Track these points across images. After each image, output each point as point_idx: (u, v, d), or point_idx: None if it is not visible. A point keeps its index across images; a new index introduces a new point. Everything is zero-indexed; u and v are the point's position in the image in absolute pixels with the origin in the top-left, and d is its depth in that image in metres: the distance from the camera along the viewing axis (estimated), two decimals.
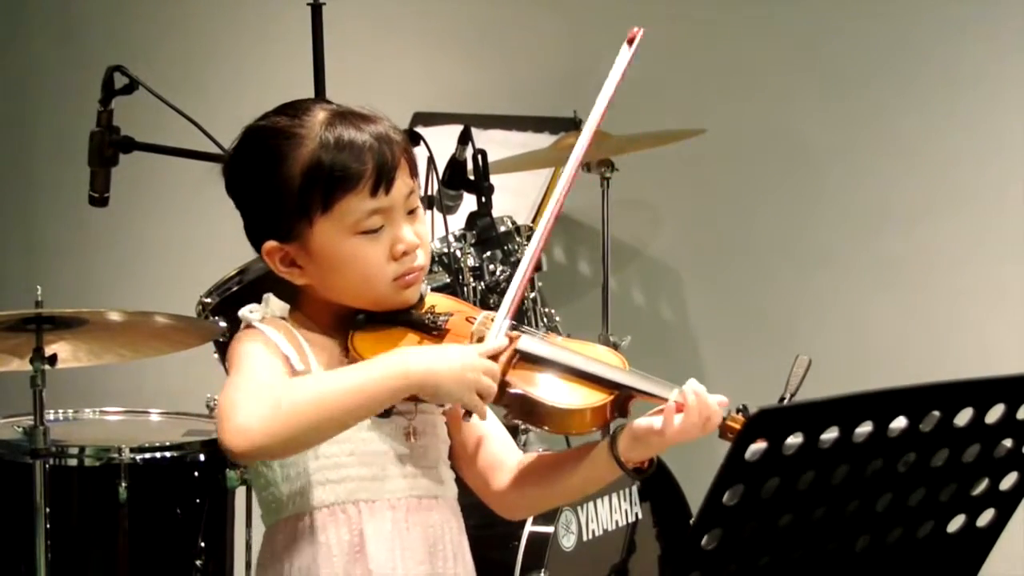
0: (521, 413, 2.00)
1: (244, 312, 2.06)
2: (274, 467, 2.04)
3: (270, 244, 2.05)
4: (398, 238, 2.03)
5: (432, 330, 2.04)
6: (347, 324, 2.04)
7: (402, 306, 2.06)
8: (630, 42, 2.13)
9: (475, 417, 2.03)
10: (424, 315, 2.06)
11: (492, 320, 2.04)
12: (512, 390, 1.98)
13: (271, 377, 1.96)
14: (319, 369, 2.02)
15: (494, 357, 1.97)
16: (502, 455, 2.13)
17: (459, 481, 2.15)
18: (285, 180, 2.01)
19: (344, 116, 2.04)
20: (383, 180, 2.01)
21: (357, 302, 2.05)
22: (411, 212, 2.06)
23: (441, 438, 2.11)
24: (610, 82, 2.11)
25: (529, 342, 2.02)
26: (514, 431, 2.40)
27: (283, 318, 2.07)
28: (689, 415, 1.93)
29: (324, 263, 2.03)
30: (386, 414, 1.99)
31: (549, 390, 1.98)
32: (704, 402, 1.94)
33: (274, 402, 1.89)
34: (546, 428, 2.02)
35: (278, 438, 1.88)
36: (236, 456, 1.91)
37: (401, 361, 1.94)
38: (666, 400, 1.95)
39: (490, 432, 2.14)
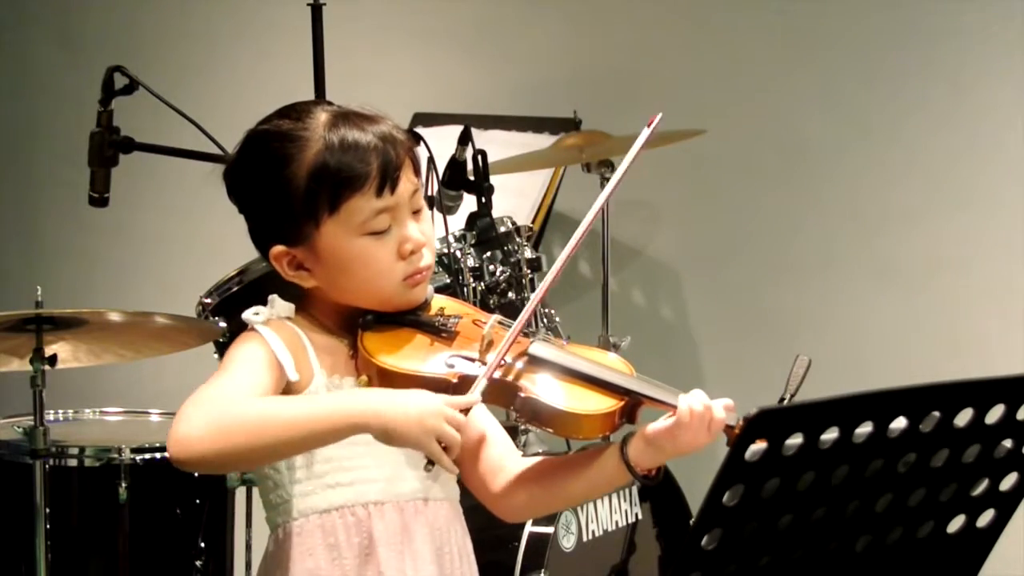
0: (530, 417, 2.00)
1: (248, 315, 2.06)
2: (282, 469, 2.04)
3: (277, 248, 2.05)
4: (405, 237, 2.03)
5: (441, 332, 2.04)
6: (355, 325, 2.04)
7: (410, 305, 2.06)
8: (649, 125, 2.12)
9: (473, 419, 2.04)
10: (434, 317, 2.06)
11: (500, 324, 2.03)
12: (523, 395, 1.98)
13: (235, 389, 1.95)
14: (321, 372, 2.02)
15: (465, 410, 1.93)
16: (503, 459, 2.13)
17: (459, 484, 2.15)
18: (291, 183, 2.01)
19: (347, 117, 2.04)
20: (388, 179, 2.01)
21: (366, 303, 2.05)
22: (416, 211, 2.06)
23: None
24: (627, 160, 2.10)
25: (540, 347, 2.02)
26: (513, 432, 2.40)
27: (289, 319, 2.06)
28: (694, 418, 1.93)
29: (332, 265, 2.03)
30: None
31: (559, 395, 1.99)
32: (707, 404, 1.93)
33: (220, 417, 1.88)
34: (555, 432, 2.02)
35: (213, 453, 1.87)
36: (174, 463, 1.90)
37: (350, 401, 1.93)
38: (675, 407, 1.95)
39: (491, 436, 2.14)
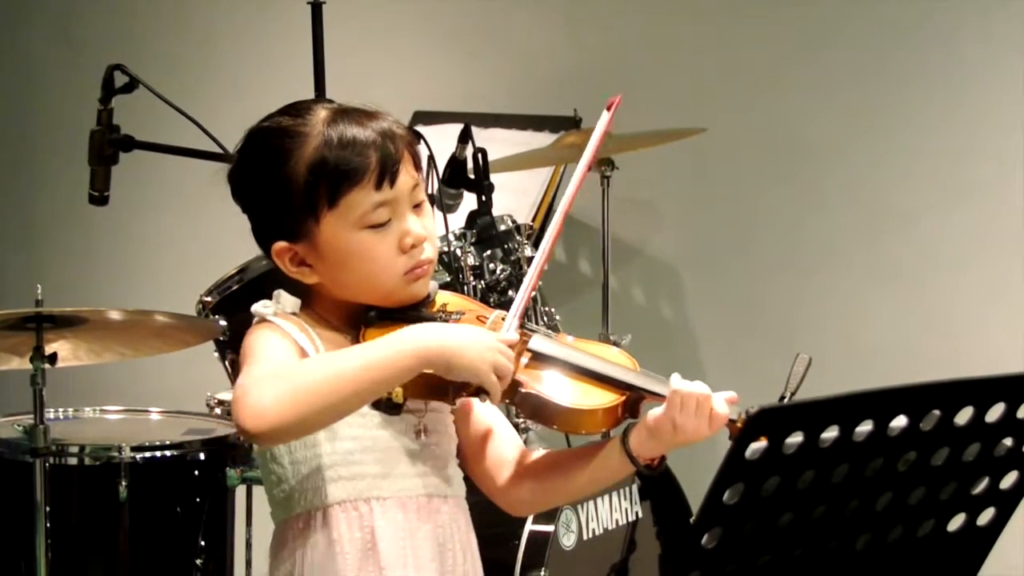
0: (532, 412, 2.00)
1: (257, 307, 2.07)
2: (286, 464, 2.04)
3: (279, 245, 2.06)
4: (406, 231, 2.03)
5: None
6: (358, 321, 2.05)
7: (412, 300, 2.06)
8: (609, 108, 2.12)
9: (479, 413, 2.08)
10: (436, 313, 2.07)
11: (503, 319, 2.04)
12: (523, 389, 1.98)
13: (285, 360, 1.97)
14: None
15: (510, 346, 1.97)
16: (509, 453, 2.13)
17: (464, 480, 2.15)
18: (290, 179, 2.02)
19: (346, 113, 2.05)
20: (387, 173, 2.01)
21: (368, 298, 2.05)
22: (417, 206, 2.06)
23: (450, 436, 2.12)
24: (591, 144, 2.10)
25: (541, 342, 2.03)
26: (515, 429, 2.40)
27: (295, 314, 2.07)
28: (687, 405, 1.93)
29: (333, 260, 2.04)
30: (397, 410, 1.98)
31: (560, 390, 1.99)
32: (699, 392, 1.94)
33: (289, 383, 1.89)
34: (557, 427, 2.02)
35: (294, 418, 1.88)
36: (254, 438, 1.91)
37: (415, 335, 1.94)
38: None
39: (497, 430, 2.14)
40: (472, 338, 1.94)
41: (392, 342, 1.93)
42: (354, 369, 1.90)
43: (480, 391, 1.95)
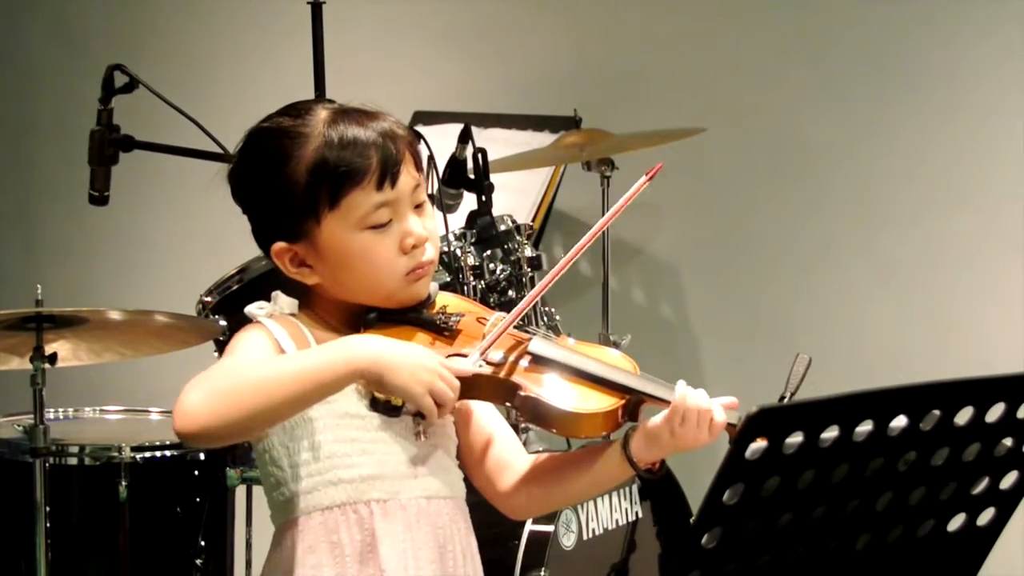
0: (531, 416, 1.99)
1: (251, 308, 2.06)
2: (285, 467, 2.04)
3: (279, 245, 2.05)
4: (407, 231, 2.03)
5: (443, 330, 2.04)
6: (358, 323, 2.04)
7: (413, 301, 2.06)
8: (648, 174, 2.11)
9: (480, 416, 2.08)
10: (436, 315, 2.06)
11: (502, 320, 2.04)
12: (523, 393, 1.97)
13: (237, 362, 1.96)
14: None
15: (459, 376, 1.94)
16: (509, 456, 2.13)
17: (464, 481, 2.15)
18: (291, 179, 2.01)
19: (347, 113, 2.05)
20: (388, 173, 2.01)
21: (368, 299, 2.05)
22: (418, 206, 2.06)
23: (450, 437, 2.12)
24: (620, 204, 2.10)
25: (540, 345, 2.02)
26: (514, 430, 2.40)
27: (292, 315, 2.07)
28: (688, 413, 1.93)
29: (334, 260, 2.03)
30: (396, 412, 1.98)
31: (560, 394, 1.98)
32: (701, 400, 1.94)
33: (218, 385, 1.89)
34: (556, 431, 2.02)
35: (219, 420, 1.87)
36: (181, 438, 1.92)
37: (350, 345, 1.93)
38: None
39: (498, 433, 2.14)
40: (410, 357, 1.92)
41: (327, 351, 1.93)
42: (287, 376, 1.90)
43: (418, 413, 1.93)
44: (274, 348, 2.00)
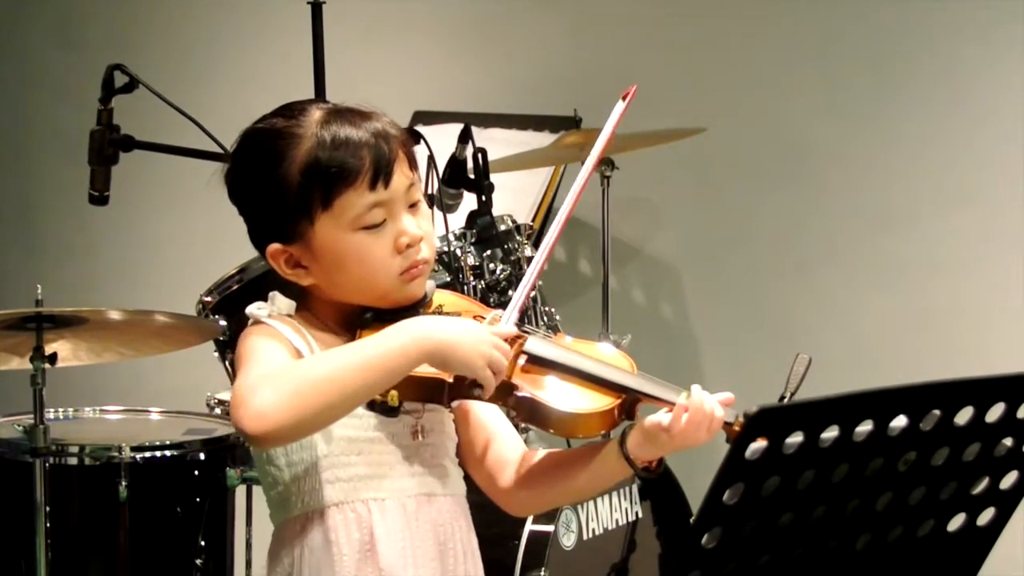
0: (527, 416, 1.99)
1: (252, 309, 2.06)
2: (282, 466, 2.04)
3: (274, 247, 2.05)
4: (401, 231, 2.03)
5: None
6: (354, 323, 2.04)
7: (409, 301, 2.06)
8: (624, 98, 2.12)
9: (480, 414, 2.09)
10: (432, 314, 2.06)
11: (501, 319, 2.04)
12: (519, 393, 1.98)
13: (281, 361, 1.96)
14: None
15: (506, 340, 1.97)
16: (510, 453, 2.13)
17: (465, 479, 2.15)
18: (284, 180, 2.01)
19: (340, 114, 2.04)
20: (381, 173, 2.01)
21: (363, 299, 2.05)
22: (413, 205, 2.06)
23: (449, 436, 2.12)
24: (604, 133, 2.11)
25: (536, 344, 2.02)
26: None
27: (290, 316, 2.07)
28: (692, 413, 1.93)
29: (328, 261, 2.03)
30: (394, 413, 1.98)
31: (556, 394, 1.98)
32: (706, 401, 1.94)
33: (288, 383, 1.88)
34: (553, 431, 2.02)
35: (296, 418, 1.87)
36: (255, 441, 1.90)
37: (412, 328, 1.94)
38: (673, 404, 1.95)
39: (498, 430, 2.14)
40: (468, 331, 1.95)
41: (390, 336, 1.93)
42: (354, 366, 1.90)
43: (474, 385, 1.94)
44: (287, 347, 2.00)
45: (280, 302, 2.07)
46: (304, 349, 2.01)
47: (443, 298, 2.11)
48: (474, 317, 2.07)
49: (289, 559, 2.05)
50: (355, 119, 2.04)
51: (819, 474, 1.63)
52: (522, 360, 2.00)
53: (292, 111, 2.06)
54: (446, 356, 1.92)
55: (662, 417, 1.96)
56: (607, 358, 2.05)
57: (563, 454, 2.12)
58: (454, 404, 2.05)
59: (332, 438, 2.02)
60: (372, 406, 1.97)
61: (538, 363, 2.01)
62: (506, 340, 1.97)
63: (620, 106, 2.14)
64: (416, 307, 2.07)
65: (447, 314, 2.06)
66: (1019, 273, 3.99)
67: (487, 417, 2.14)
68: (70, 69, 4.98)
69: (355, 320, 2.04)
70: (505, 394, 1.98)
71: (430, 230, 2.08)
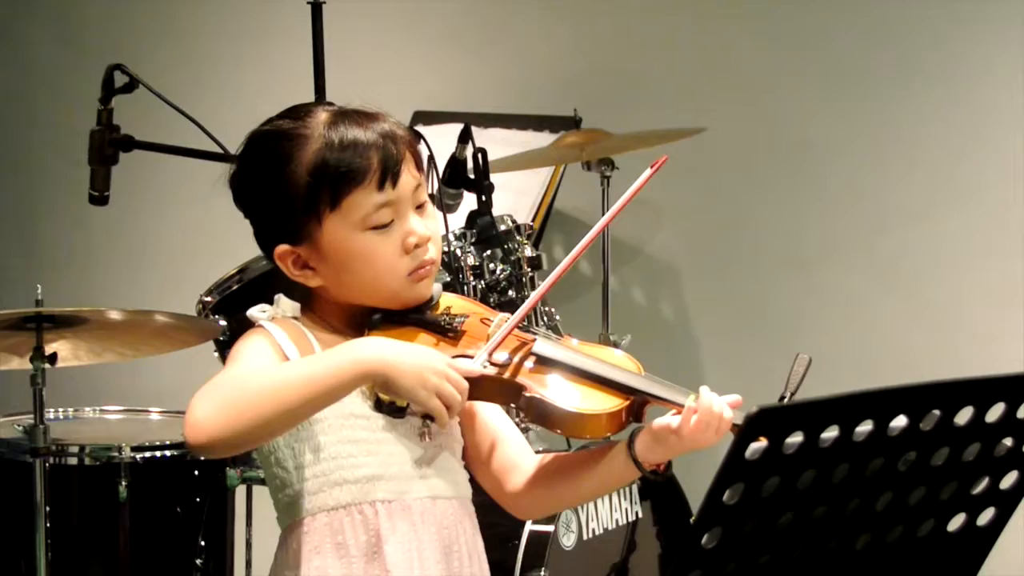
0: (536, 417, 1.99)
1: (253, 311, 2.06)
2: (290, 468, 2.04)
3: (282, 248, 2.05)
4: (409, 231, 2.03)
5: (447, 331, 2.04)
6: (361, 324, 2.04)
7: (416, 301, 2.06)
8: (652, 166, 2.12)
9: (486, 417, 2.09)
10: (440, 316, 2.06)
11: (506, 322, 2.03)
12: (528, 394, 1.98)
13: (242, 370, 1.96)
14: None
15: (465, 376, 1.95)
16: (517, 457, 2.13)
17: (471, 482, 2.15)
18: (292, 181, 2.01)
19: (347, 115, 2.05)
20: (389, 173, 2.01)
21: (371, 300, 2.05)
22: (420, 206, 2.06)
23: (455, 438, 2.12)
24: (626, 196, 2.11)
25: (545, 346, 2.02)
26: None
27: (295, 318, 2.07)
28: (702, 416, 1.93)
29: (336, 262, 2.03)
30: (401, 413, 1.98)
31: (565, 394, 1.98)
32: (716, 403, 1.94)
33: (227, 395, 1.89)
34: (561, 432, 2.02)
35: (229, 431, 1.87)
36: (193, 450, 1.92)
37: (356, 348, 1.93)
38: (681, 406, 1.95)
39: (505, 434, 2.14)
40: (417, 359, 1.93)
41: (333, 356, 1.93)
42: (295, 382, 1.90)
43: (427, 416, 1.94)
44: (276, 352, 2.00)
45: (284, 304, 2.08)
46: (295, 356, 2.00)
47: (450, 300, 2.11)
48: (481, 320, 2.07)
49: (296, 561, 2.04)
50: (362, 120, 2.04)
51: (819, 474, 1.63)
52: (531, 362, 2.00)
53: (299, 113, 2.06)
54: (388, 381, 1.91)
55: (671, 419, 1.96)
56: (615, 360, 2.05)
57: (569, 457, 2.12)
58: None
59: (340, 440, 2.02)
60: (380, 407, 1.97)
61: (546, 364, 2.01)
62: (466, 376, 1.94)
63: (647, 172, 2.13)
64: (424, 308, 2.07)
65: (454, 316, 2.06)
66: (1019, 273, 3.99)
67: (493, 420, 2.14)
68: (70, 69, 4.98)
69: (363, 321, 2.05)
70: (514, 395, 1.98)
71: (437, 231, 2.08)
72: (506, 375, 1.99)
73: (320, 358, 1.94)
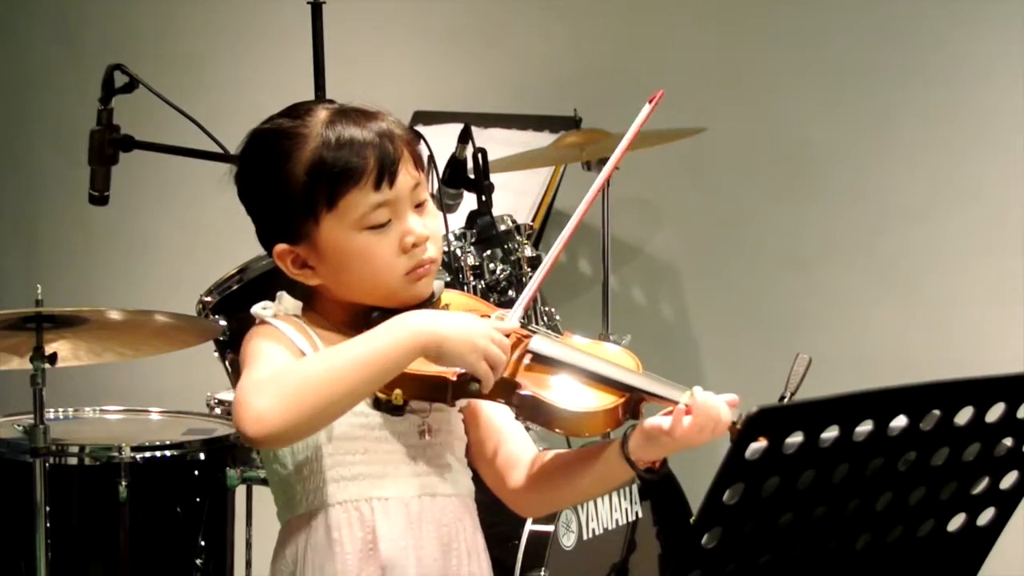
0: (531, 415, 1.99)
1: (257, 309, 2.07)
2: (288, 464, 2.04)
3: (281, 247, 2.05)
4: (407, 230, 2.03)
5: None
6: (361, 322, 2.04)
7: (416, 300, 2.06)
8: (650, 101, 2.13)
9: (489, 413, 2.09)
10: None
11: (506, 318, 2.04)
12: (523, 392, 1.97)
13: (282, 362, 1.97)
14: None
15: (507, 335, 1.97)
16: (519, 454, 2.13)
17: (474, 479, 2.15)
18: (290, 180, 2.02)
19: (345, 114, 2.05)
20: (386, 173, 2.01)
21: (370, 299, 2.05)
22: (419, 205, 2.06)
23: (457, 435, 2.12)
24: (627, 135, 2.12)
25: (541, 343, 2.02)
26: None
27: (296, 316, 2.07)
28: (696, 416, 1.93)
29: (334, 261, 2.03)
30: (399, 411, 1.99)
31: (560, 393, 1.98)
32: (712, 403, 1.94)
33: (288, 384, 1.89)
34: (557, 430, 2.02)
35: (296, 419, 1.87)
36: (257, 444, 1.91)
37: (407, 322, 1.94)
38: (677, 403, 1.95)
39: (508, 431, 2.14)
40: (463, 324, 1.95)
41: (385, 330, 1.93)
42: (352, 362, 1.90)
43: (472, 380, 1.95)
44: (291, 348, 2.01)
45: (287, 302, 2.08)
46: (308, 349, 2.01)
47: (450, 297, 2.12)
48: (480, 316, 2.07)
49: (292, 556, 2.05)
50: (360, 119, 2.04)
51: (819, 474, 1.63)
52: (527, 359, 2.01)
53: (298, 111, 2.06)
54: (441, 348, 1.92)
55: (663, 419, 1.96)
56: (612, 357, 2.05)
57: (568, 455, 2.12)
58: (459, 404, 2.05)
59: (338, 437, 2.02)
60: (378, 405, 1.98)
61: (542, 362, 2.01)
62: (508, 335, 1.98)
63: (646, 109, 2.15)
64: (423, 306, 2.07)
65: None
66: (1019, 273, 3.99)
67: (497, 417, 2.14)
68: (70, 69, 4.98)
69: (362, 320, 2.04)
70: (508, 392, 1.98)
71: (436, 230, 2.08)
72: (503, 372, 1.98)
73: (373, 335, 1.93)
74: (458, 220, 3.36)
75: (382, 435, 2.04)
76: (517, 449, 2.13)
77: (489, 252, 3.29)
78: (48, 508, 3.04)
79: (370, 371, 1.91)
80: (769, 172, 4.29)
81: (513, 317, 2.01)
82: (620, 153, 2.16)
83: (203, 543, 3.32)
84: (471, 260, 3.24)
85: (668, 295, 4.47)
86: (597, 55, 4.46)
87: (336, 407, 1.91)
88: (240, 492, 3.40)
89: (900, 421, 1.63)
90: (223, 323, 3.32)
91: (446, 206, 3.26)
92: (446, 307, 2.09)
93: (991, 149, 4.04)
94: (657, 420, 1.96)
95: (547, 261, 2.11)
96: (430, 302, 2.08)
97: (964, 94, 4.07)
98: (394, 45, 4.67)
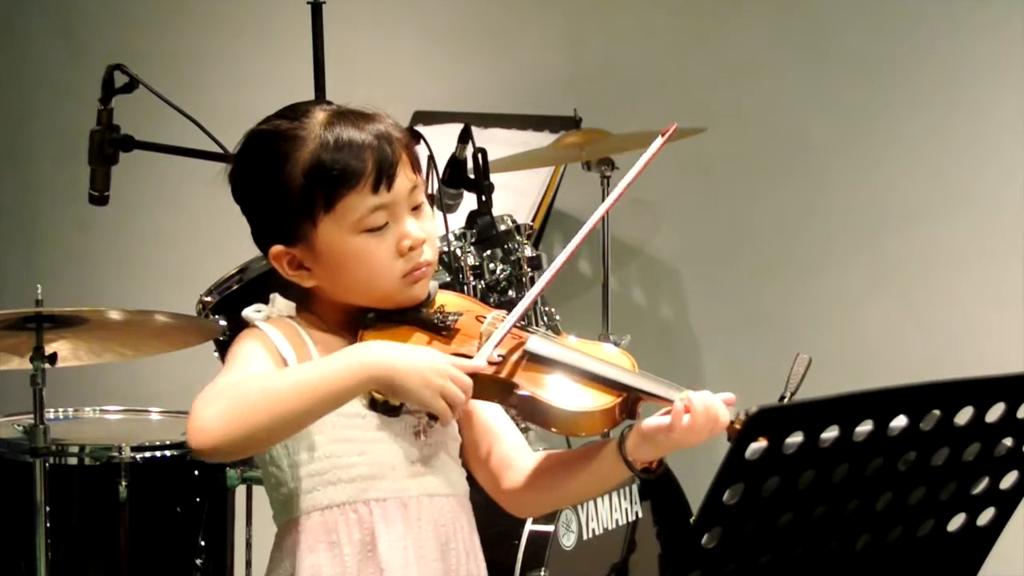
0: (528, 415, 1.99)
1: (248, 312, 2.06)
2: (284, 467, 2.04)
3: (277, 248, 2.05)
4: (403, 233, 2.03)
5: (441, 329, 2.04)
6: (356, 323, 2.04)
7: (411, 303, 2.06)
8: (663, 134, 2.13)
9: (483, 414, 2.09)
10: (434, 314, 2.06)
11: (501, 320, 2.04)
12: (520, 392, 1.97)
13: (244, 374, 1.96)
14: None
15: (472, 374, 1.95)
16: (514, 454, 2.13)
17: (469, 479, 2.15)
18: (287, 182, 2.01)
19: (344, 116, 2.04)
20: (384, 176, 2.00)
21: (366, 300, 2.05)
22: (416, 208, 2.05)
23: (452, 436, 2.12)
24: (638, 165, 2.11)
25: (537, 343, 2.02)
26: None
27: (290, 317, 2.07)
28: (695, 416, 1.93)
29: (331, 263, 2.03)
30: (395, 412, 1.98)
31: (557, 392, 1.98)
32: (710, 403, 1.93)
33: (233, 400, 1.88)
34: (554, 430, 2.02)
35: (235, 436, 1.87)
36: (197, 455, 1.91)
37: (360, 352, 1.93)
38: (673, 402, 1.95)
39: (502, 432, 2.14)
40: (421, 360, 1.93)
41: (337, 360, 1.92)
42: (300, 387, 1.90)
43: (431, 415, 1.94)
44: (272, 354, 2.00)
45: (280, 304, 2.08)
46: (292, 358, 2.00)
47: (445, 298, 2.11)
48: (476, 317, 2.07)
49: (291, 559, 2.05)
50: (358, 121, 2.03)
51: (819, 474, 1.63)
52: (524, 360, 2.00)
53: (296, 112, 2.06)
54: (393, 383, 1.91)
55: (660, 420, 1.96)
56: (608, 357, 2.05)
57: (564, 455, 2.12)
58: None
59: (335, 438, 2.02)
60: (374, 406, 1.97)
61: (539, 362, 2.01)
62: (470, 374, 1.94)
63: (658, 141, 2.14)
64: (419, 307, 2.07)
65: (448, 313, 2.06)
66: (1019, 273, 3.99)
67: (491, 418, 2.14)
68: (70, 69, 4.98)
69: (358, 321, 2.04)
70: (506, 393, 1.98)
71: (433, 232, 2.08)
72: (500, 373, 1.98)
73: (324, 363, 1.93)
74: (458, 220, 3.36)
75: (378, 436, 2.04)
76: (511, 450, 2.13)
77: (489, 252, 3.29)
78: (48, 508, 3.04)
79: (316, 397, 1.90)
80: (769, 172, 4.29)
81: (483, 354, 1.98)
82: (625, 186, 2.15)
83: (203, 543, 3.32)
84: (471, 260, 3.24)
85: (668, 295, 4.47)
86: (597, 55, 4.46)
87: (277, 430, 1.91)
88: (240, 492, 3.40)
89: (900, 421, 1.63)
90: (223, 323, 3.32)
91: (446, 206, 3.26)
92: (442, 307, 2.08)
93: (991, 149, 4.04)
94: (655, 420, 1.96)
95: (547, 275, 2.10)
96: (425, 303, 2.08)
97: (964, 94, 4.06)
98: (394, 45, 4.67)
